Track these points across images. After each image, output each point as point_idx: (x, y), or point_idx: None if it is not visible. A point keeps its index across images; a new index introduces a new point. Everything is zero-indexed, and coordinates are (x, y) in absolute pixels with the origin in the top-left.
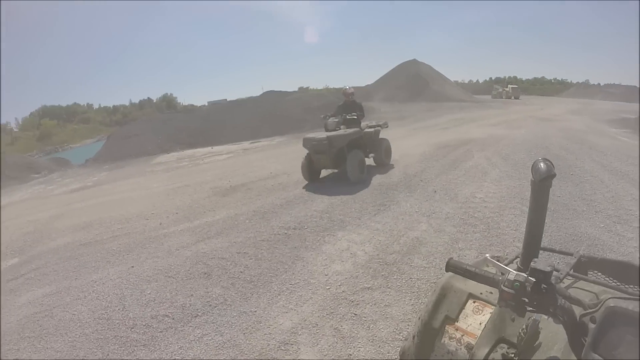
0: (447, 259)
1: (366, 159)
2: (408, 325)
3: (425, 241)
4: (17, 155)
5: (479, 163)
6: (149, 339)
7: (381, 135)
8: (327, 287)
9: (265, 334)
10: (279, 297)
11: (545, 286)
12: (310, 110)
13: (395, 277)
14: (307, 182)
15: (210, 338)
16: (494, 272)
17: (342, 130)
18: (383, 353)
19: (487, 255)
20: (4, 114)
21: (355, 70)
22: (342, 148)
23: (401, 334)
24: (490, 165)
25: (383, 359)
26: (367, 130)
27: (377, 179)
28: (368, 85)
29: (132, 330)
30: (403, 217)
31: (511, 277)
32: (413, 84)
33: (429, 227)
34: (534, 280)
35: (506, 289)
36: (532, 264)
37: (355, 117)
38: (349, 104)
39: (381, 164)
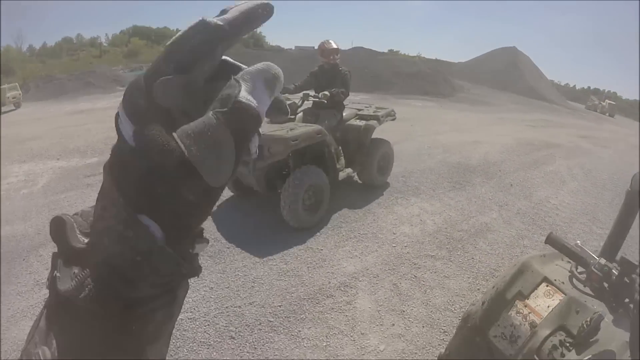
0: (547, 234)
1: (343, 173)
2: (462, 299)
3: (492, 228)
4: (104, 66)
5: (559, 170)
6: (216, 252)
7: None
8: (394, 245)
9: (328, 272)
10: (345, 242)
11: (627, 279)
12: (400, 75)
13: (458, 253)
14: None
15: (274, 264)
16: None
17: (292, 125)
18: (434, 319)
19: (578, 242)
20: (96, 29)
21: (449, 43)
22: (283, 161)
23: (454, 307)
24: (570, 175)
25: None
26: (351, 122)
27: (454, 157)
28: (460, 62)
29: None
30: (476, 200)
31: (602, 262)
32: (507, 72)
33: (499, 216)
34: (620, 269)
35: (595, 270)
36: (622, 255)
37: (333, 94)
38: (327, 71)
39: (370, 183)
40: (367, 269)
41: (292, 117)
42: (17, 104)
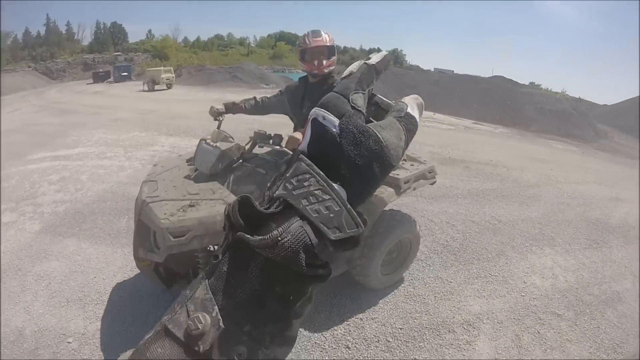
0: None
1: None
2: None
3: (624, 300)
4: (252, 64)
5: None
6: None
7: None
8: (522, 295)
9: (453, 306)
10: (475, 280)
11: None
12: (542, 112)
13: (585, 318)
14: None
15: (402, 285)
16: None
17: (203, 193)
18: None
19: None
20: (245, 29)
21: (599, 81)
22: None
23: None
24: None
25: None
26: None
27: (594, 212)
28: (605, 104)
29: None
30: (611, 264)
31: None
32: None
33: (633, 287)
34: None
35: None
36: None
37: None
38: (314, 89)
39: (367, 284)
40: (493, 313)
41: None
42: (170, 85)
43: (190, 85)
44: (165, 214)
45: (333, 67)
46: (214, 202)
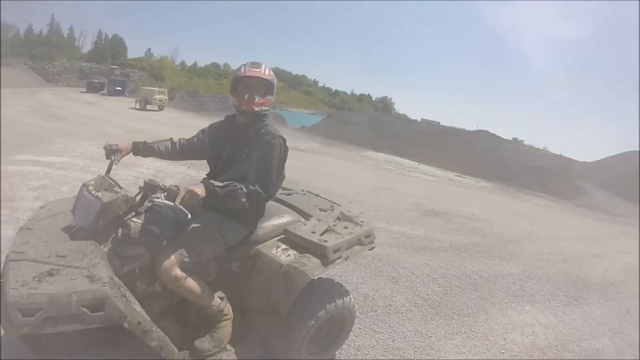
0: None
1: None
2: None
3: (603, 357)
4: None
5: None
6: None
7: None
8: (502, 352)
9: None
10: (455, 335)
11: None
12: (524, 167)
13: None
14: None
15: (382, 338)
16: None
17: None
18: None
19: None
20: (243, 61)
21: (576, 139)
22: None
23: None
24: None
25: None
26: (266, 250)
27: (573, 269)
28: (585, 162)
29: None
30: (591, 322)
31: None
32: (634, 179)
33: (612, 344)
34: None
35: None
36: None
37: (227, 193)
38: (239, 129)
39: None
40: None
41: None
42: (162, 107)
43: (182, 110)
44: (17, 281)
45: (266, 109)
46: (77, 273)
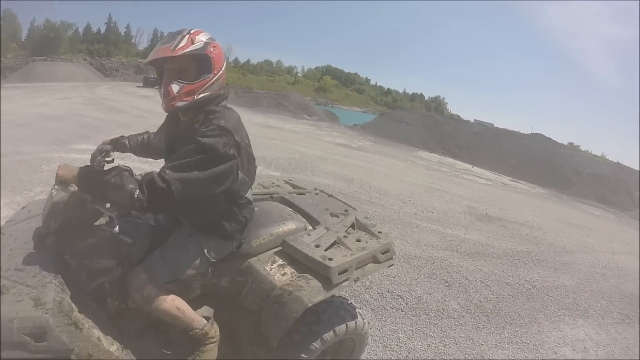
0: None
1: None
2: None
3: None
4: (297, 94)
5: None
6: (380, 307)
7: None
8: None
9: None
10: (506, 345)
11: None
12: (580, 175)
13: None
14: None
15: (433, 342)
16: None
17: None
18: None
19: None
20: (295, 59)
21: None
22: None
23: None
24: None
25: None
26: (259, 266)
27: (629, 285)
28: None
29: None
30: None
31: None
32: None
33: None
34: None
35: None
36: None
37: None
38: (188, 131)
39: None
40: None
41: None
42: None
43: (236, 106)
44: None
45: (201, 96)
46: (26, 293)
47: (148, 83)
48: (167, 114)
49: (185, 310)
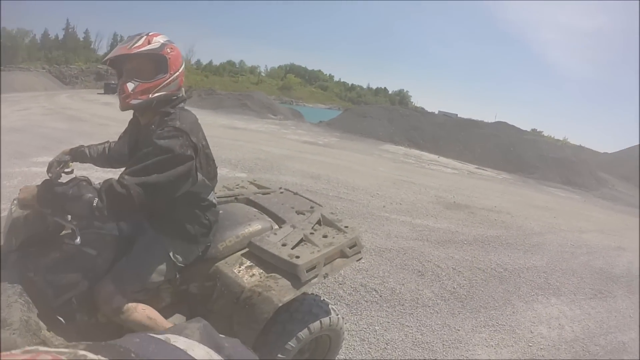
0: None
1: None
2: None
3: (630, 350)
4: (261, 93)
5: None
6: (355, 301)
7: None
8: (530, 345)
9: (462, 355)
10: (483, 328)
11: None
12: (544, 159)
13: None
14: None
15: (410, 331)
16: None
17: None
18: None
19: None
20: (257, 59)
21: (600, 129)
22: None
23: None
24: None
25: None
26: (226, 268)
27: (598, 262)
28: (606, 152)
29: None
30: (616, 314)
31: None
32: None
33: (638, 338)
34: None
35: None
36: None
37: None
38: (146, 133)
39: None
40: None
41: None
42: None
43: (200, 108)
44: None
45: (156, 95)
46: None
47: (109, 89)
48: (129, 120)
49: (157, 320)
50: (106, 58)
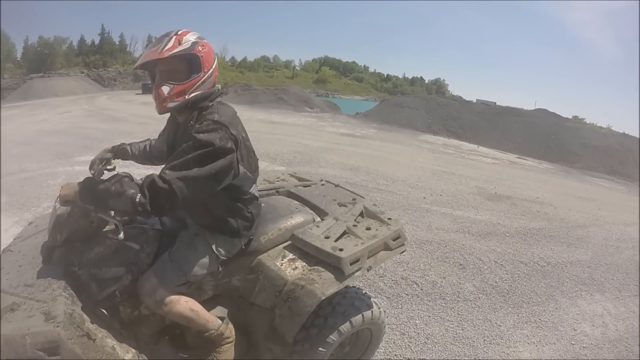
0: None
1: None
2: None
3: None
4: (296, 87)
5: None
6: (395, 294)
7: None
8: (572, 343)
9: (503, 351)
10: (525, 325)
11: None
12: (587, 147)
13: None
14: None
15: (451, 326)
16: None
17: None
18: None
19: None
20: (291, 53)
21: None
22: None
23: None
24: None
25: None
26: (268, 261)
27: None
28: None
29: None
30: None
31: None
32: None
33: None
34: None
35: None
36: None
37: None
38: (185, 131)
39: None
40: None
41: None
42: None
43: (237, 104)
44: None
45: (192, 95)
46: (36, 308)
47: (147, 89)
48: (168, 119)
49: (199, 312)
50: (137, 63)
